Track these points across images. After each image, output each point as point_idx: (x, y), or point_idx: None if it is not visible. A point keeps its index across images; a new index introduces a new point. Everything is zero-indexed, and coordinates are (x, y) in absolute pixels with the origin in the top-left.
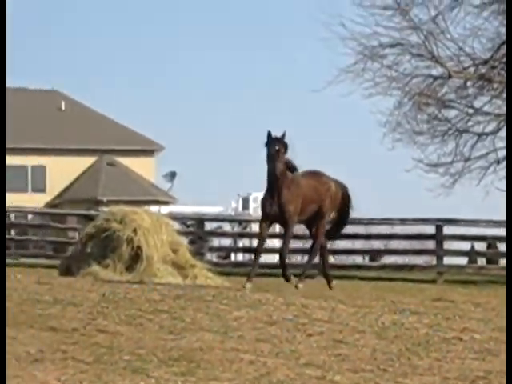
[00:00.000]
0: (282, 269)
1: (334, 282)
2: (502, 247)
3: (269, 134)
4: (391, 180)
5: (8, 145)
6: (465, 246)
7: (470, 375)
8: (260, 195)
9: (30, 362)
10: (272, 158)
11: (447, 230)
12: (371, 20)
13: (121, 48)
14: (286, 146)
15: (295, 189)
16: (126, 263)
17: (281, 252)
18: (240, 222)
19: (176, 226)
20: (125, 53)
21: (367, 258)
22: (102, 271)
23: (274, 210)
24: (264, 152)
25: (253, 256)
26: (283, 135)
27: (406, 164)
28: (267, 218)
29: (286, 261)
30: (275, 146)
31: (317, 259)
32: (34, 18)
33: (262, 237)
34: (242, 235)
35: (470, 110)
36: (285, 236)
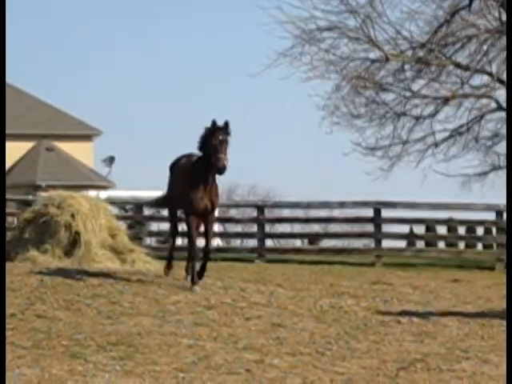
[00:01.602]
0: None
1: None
2: (441, 230)
3: (213, 123)
4: (330, 163)
5: None
6: (403, 228)
7: (408, 358)
8: None
9: None
10: (215, 150)
11: (386, 213)
12: (309, 3)
13: (57, 31)
14: (229, 135)
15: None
16: (64, 248)
17: (208, 248)
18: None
19: (114, 210)
20: (61, 36)
21: (306, 242)
22: (41, 256)
23: (205, 205)
24: (200, 141)
25: (187, 253)
26: (226, 124)
27: (344, 147)
28: (197, 211)
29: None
30: (219, 135)
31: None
32: None
33: (194, 234)
34: (181, 220)
35: (408, 93)
36: (210, 233)
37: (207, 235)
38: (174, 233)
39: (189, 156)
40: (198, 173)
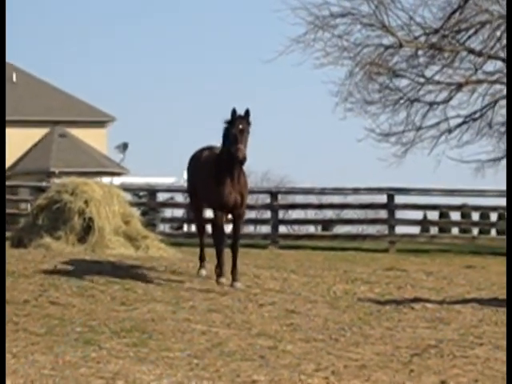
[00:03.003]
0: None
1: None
2: (454, 216)
3: (233, 112)
4: (343, 150)
5: None
6: (417, 215)
7: (422, 344)
8: None
9: None
10: (235, 140)
11: (399, 199)
12: None
13: (72, 19)
14: (249, 126)
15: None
16: (77, 235)
17: (237, 246)
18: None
19: (128, 197)
20: (76, 24)
21: (320, 228)
22: (54, 243)
23: (234, 199)
24: (223, 130)
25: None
26: (247, 113)
27: (357, 134)
28: (226, 207)
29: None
30: (239, 124)
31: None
32: None
33: (221, 228)
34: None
35: (421, 80)
36: (239, 229)
37: (236, 232)
38: (201, 231)
39: (210, 148)
40: (223, 165)
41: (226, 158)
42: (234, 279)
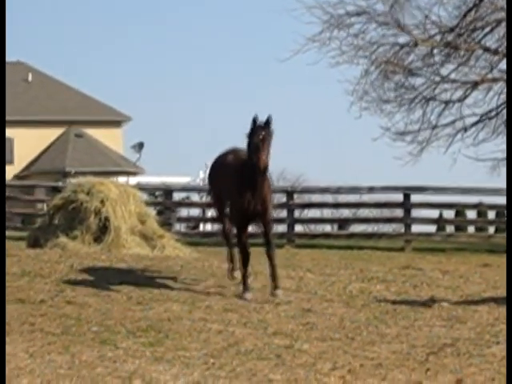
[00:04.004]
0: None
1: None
2: (470, 214)
3: (254, 120)
4: (359, 148)
5: None
6: (433, 213)
7: (438, 343)
8: None
9: None
10: (257, 149)
11: (415, 197)
12: None
13: (87, 19)
14: (271, 134)
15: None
16: (93, 234)
17: (271, 253)
18: (208, 191)
19: (144, 196)
20: (91, 24)
21: (336, 227)
22: (70, 243)
23: (255, 207)
24: (246, 141)
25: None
26: (268, 121)
27: (373, 132)
28: (246, 217)
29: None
30: (260, 133)
31: None
32: None
33: (245, 243)
34: (210, 205)
35: (437, 78)
36: (269, 235)
37: (268, 240)
38: (227, 238)
39: (234, 152)
40: (246, 173)
41: (250, 165)
42: (275, 287)
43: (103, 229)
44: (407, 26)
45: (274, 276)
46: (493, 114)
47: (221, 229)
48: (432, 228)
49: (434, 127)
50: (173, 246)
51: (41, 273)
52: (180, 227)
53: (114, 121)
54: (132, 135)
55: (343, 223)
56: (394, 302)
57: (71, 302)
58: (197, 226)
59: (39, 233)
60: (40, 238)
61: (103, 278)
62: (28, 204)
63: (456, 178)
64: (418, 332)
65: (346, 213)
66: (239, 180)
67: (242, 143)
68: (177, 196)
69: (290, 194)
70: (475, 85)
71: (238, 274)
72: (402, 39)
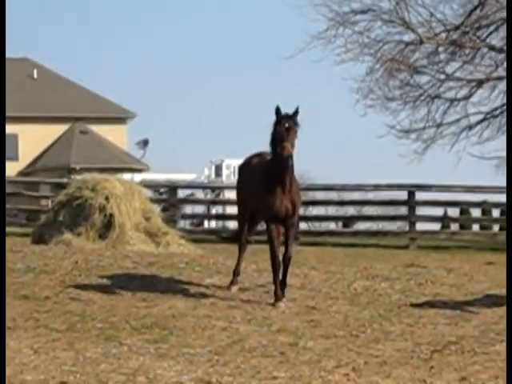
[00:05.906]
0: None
1: None
2: (475, 213)
3: (277, 110)
4: (364, 146)
5: None
6: (437, 211)
7: (442, 340)
8: (233, 162)
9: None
10: (281, 138)
11: (420, 195)
12: None
13: (93, 15)
14: (297, 125)
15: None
16: (98, 231)
17: (289, 256)
18: (213, 189)
19: (148, 193)
20: (97, 20)
21: (340, 225)
22: (75, 239)
23: (286, 208)
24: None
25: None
26: (296, 111)
27: (378, 130)
28: (277, 217)
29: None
30: (285, 123)
31: None
32: None
33: (274, 241)
34: (214, 202)
35: (442, 76)
36: (291, 238)
37: (288, 241)
38: (241, 243)
39: (260, 155)
40: (274, 173)
41: (276, 165)
42: (281, 294)
43: (108, 225)
44: (412, 24)
45: (283, 284)
46: (498, 112)
47: (238, 236)
48: (436, 226)
49: (439, 125)
50: (177, 243)
51: (45, 269)
52: (185, 224)
53: (119, 117)
54: (137, 132)
55: (348, 221)
56: (398, 300)
57: (76, 299)
58: (201, 223)
59: (44, 229)
60: (45, 234)
61: (108, 274)
62: (33, 200)
63: (461, 176)
64: (423, 330)
65: (350, 210)
66: (266, 179)
67: (247, 141)
68: (181, 193)
69: None
70: (480, 83)
71: (234, 289)
72: (408, 37)
